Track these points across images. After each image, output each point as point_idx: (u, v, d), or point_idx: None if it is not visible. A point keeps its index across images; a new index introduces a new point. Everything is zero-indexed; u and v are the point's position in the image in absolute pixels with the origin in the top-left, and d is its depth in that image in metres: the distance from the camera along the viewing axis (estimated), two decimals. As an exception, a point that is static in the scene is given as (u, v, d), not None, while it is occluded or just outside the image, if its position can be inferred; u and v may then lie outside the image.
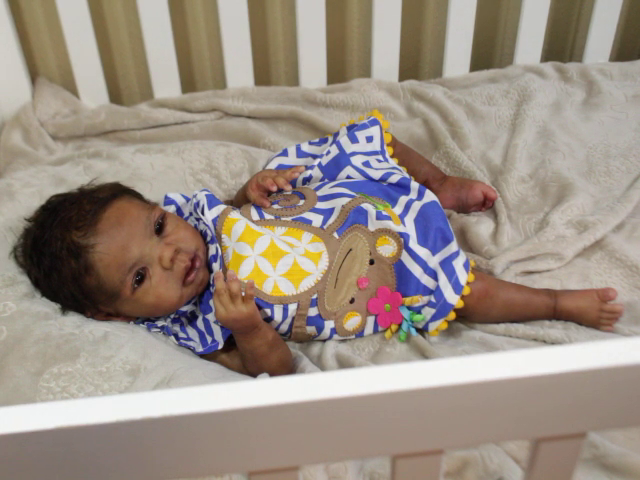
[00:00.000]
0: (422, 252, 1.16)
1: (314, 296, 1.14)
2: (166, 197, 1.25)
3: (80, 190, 1.18)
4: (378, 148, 1.31)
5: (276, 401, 0.52)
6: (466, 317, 1.20)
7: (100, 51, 1.56)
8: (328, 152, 1.30)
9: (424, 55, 1.73)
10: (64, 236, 1.07)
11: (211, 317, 1.13)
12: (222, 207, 1.18)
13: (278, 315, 1.13)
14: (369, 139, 1.30)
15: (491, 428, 0.58)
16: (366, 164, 1.28)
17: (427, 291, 1.16)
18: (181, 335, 1.15)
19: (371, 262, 1.17)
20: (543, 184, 1.37)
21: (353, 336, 1.19)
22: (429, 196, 1.22)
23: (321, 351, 1.17)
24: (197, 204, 1.17)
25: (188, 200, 1.24)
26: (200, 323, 1.16)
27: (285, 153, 1.36)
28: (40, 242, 1.10)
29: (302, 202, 1.21)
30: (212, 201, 1.19)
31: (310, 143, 1.36)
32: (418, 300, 1.15)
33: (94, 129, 1.52)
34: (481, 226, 1.32)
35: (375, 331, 1.20)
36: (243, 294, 1.04)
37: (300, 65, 1.60)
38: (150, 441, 0.53)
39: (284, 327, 1.15)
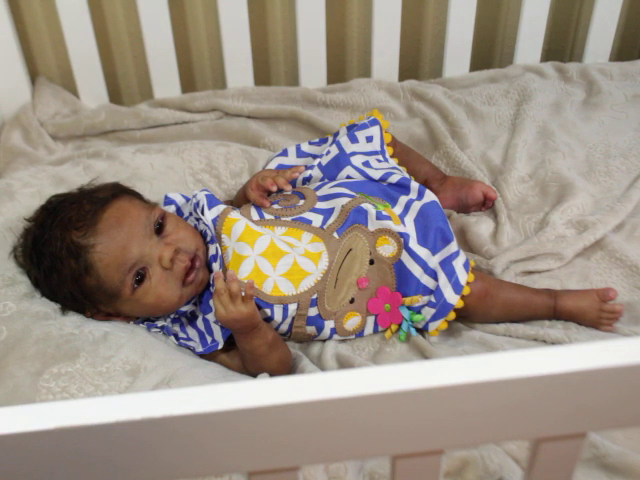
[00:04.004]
0: (422, 252, 1.16)
1: (314, 296, 1.14)
2: (166, 197, 1.25)
3: (80, 190, 1.18)
4: (378, 148, 1.31)
5: (276, 401, 0.52)
6: (466, 317, 1.20)
7: (100, 51, 1.56)
8: (328, 152, 1.30)
9: (424, 55, 1.74)
10: (64, 236, 1.07)
11: (211, 317, 1.13)
12: (222, 207, 1.18)
13: (278, 315, 1.13)
14: (369, 139, 1.30)
15: (491, 428, 0.58)
16: (366, 164, 1.28)
17: (427, 291, 1.16)
18: (181, 335, 1.15)
19: (371, 262, 1.17)
20: (543, 184, 1.37)
21: (353, 336, 1.19)
22: (429, 196, 1.22)
23: (321, 351, 1.17)
24: (197, 204, 1.17)
25: (188, 200, 1.24)
26: (200, 323, 1.16)
27: (285, 153, 1.36)
28: (40, 242, 1.10)
29: (302, 202, 1.21)
30: (212, 201, 1.19)
31: (310, 143, 1.36)
32: (418, 300, 1.15)
33: (94, 129, 1.52)
34: (481, 226, 1.32)
35: (375, 331, 1.20)
36: (243, 294, 1.04)
37: (300, 65, 1.60)
38: (150, 441, 0.53)
39: (284, 327, 1.15)
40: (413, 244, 1.16)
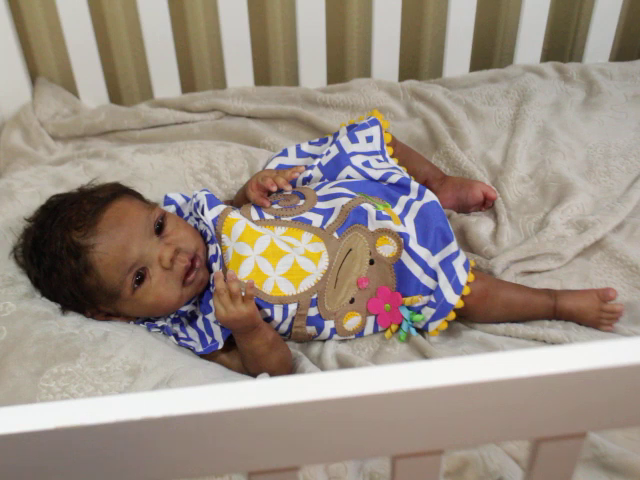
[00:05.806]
0: (422, 252, 1.16)
1: (314, 296, 1.14)
2: (166, 197, 1.25)
3: (80, 190, 1.18)
4: (378, 148, 1.31)
5: (276, 401, 0.52)
6: (466, 317, 1.19)
7: (100, 51, 1.56)
8: (328, 152, 1.30)
9: (424, 55, 1.73)
10: (64, 236, 1.07)
11: (211, 317, 1.13)
12: (222, 207, 1.18)
13: (278, 315, 1.13)
14: (369, 139, 1.30)
15: (491, 428, 0.58)
16: (366, 164, 1.28)
17: (427, 291, 1.16)
18: (181, 335, 1.15)
19: (371, 262, 1.17)
20: (543, 184, 1.37)
21: (353, 336, 1.19)
22: (429, 196, 1.22)
23: (321, 351, 1.17)
24: (197, 204, 1.17)
25: (188, 200, 1.24)
26: (200, 323, 1.16)
27: (285, 153, 1.36)
28: (40, 242, 1.10)
29: (302, 202, 1.21)
30: (212, 201, 1.19)
31: (310, 143, 1.36)
32: (418, 300, 1.15)
33: (94, 129, 1.52)
34: (481, 226, 1.32)
35: (375, 331, 1.20)
36: (243, 294, 1.04)
37: (300, 65, 1.60)
38: (150, 441, 0.53)
39: (284, 327, 1.15)
40: (413, 244, 1.16)
